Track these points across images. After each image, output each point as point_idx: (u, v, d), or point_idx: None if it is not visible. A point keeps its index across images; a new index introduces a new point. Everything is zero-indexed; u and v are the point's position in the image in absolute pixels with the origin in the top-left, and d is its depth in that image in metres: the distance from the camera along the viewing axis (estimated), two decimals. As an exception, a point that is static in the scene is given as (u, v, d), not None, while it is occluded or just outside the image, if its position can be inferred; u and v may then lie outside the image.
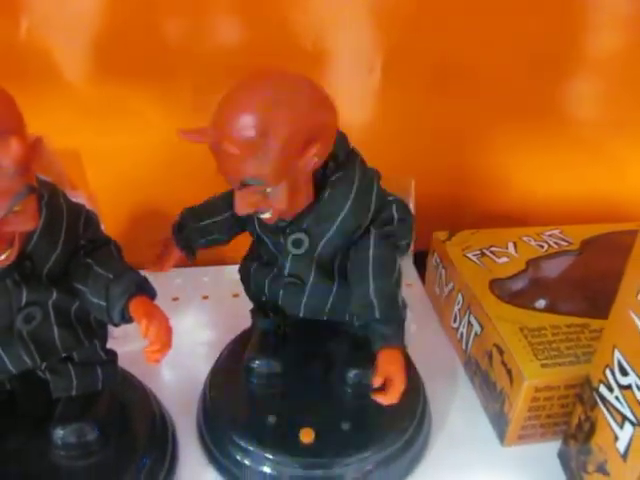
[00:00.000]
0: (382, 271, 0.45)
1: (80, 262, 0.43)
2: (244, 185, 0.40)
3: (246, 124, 0.38)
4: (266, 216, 0.43)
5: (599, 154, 0.81)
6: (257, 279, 0.51)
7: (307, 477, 0.50)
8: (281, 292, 0.49)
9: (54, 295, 0.42)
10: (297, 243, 0.46)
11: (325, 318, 0.51)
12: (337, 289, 0.48)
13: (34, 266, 0.41)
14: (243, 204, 0.42)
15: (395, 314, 0.46)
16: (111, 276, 0.42)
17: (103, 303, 0.41)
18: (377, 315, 0.45)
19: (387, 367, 0.44)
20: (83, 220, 0.44)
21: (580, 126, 0.79)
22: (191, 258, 0.52)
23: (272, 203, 0.42)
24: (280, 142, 0.38)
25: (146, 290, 0.42)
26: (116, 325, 0.43)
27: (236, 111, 0.38)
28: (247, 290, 0.54)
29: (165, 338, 0.40)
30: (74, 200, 0.44)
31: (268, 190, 0.41)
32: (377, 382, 0.44)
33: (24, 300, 0.41)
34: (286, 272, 0.48)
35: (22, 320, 0.41)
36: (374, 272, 0.45)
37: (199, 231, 0.51)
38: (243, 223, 0.50)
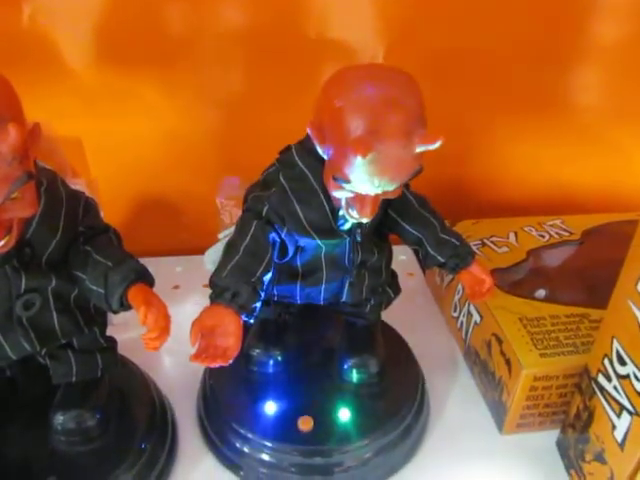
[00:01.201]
0: (430, 207, 0.50)
1: (79, 249, 0.43)
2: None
3: (409, 120, 0.37)
4: (355, 215, 0.42)
5: (602, 144, 0.81)
6: (311, 291, 0.49)
7: (306, 465, 0.50)
8: (347, 287, 0.49)
9: (53, 282, 0.42)
10: (360, 229, 0.46)
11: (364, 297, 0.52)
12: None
13: (33, 253, 0.41)
14: (374, 208, 0.41)
15: (459, 234, 0.50)
16: (110, 264, 0.41)
17: (102, 290, 0.41)
18: (456, 241, 0.49)
19: (485, 272, 0.50)
20: (82, 207, 0.43)
21: (582, 116, 0.79)
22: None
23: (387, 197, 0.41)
24: (427, 129, 0.38)
25: (145, 278, 0.42)
26: (115, 312, 0.43)
27: (395, 113, 0.36)
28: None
29: (163, 325, 0.40)
30: (74, 187, 0.44)
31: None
32: (487, 283, 0.50)
33: (23, 287, 0.41)
34: (357, 261, 0.47)
35: (21, 306, 0.41)
36: (427, 212, 0.49)
37: (255, 286, 0.43)
38: (280, 244, 0.46)
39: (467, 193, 0.80)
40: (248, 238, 0.44)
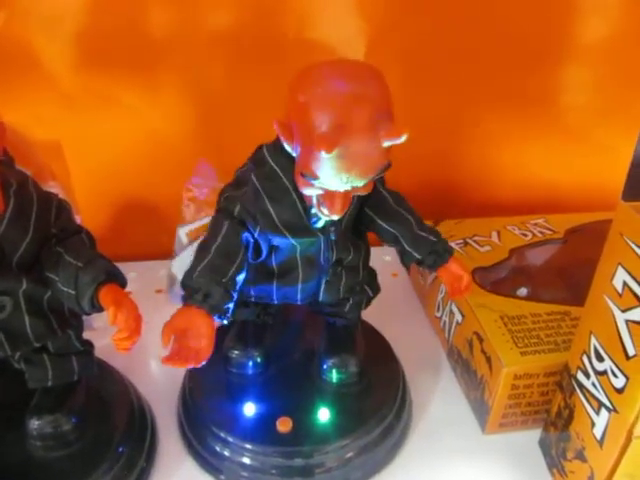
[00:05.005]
0: (406, 204, 0.50)
1: (51, 251, 0.42)
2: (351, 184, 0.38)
3: (374, 114, 0.36)
4: (326, 212, 0.41)
5: (586, 143, 0.81)
6: (287, 291, 0.49)
7: (286, 466, 0.49)
8: (323, 286, 0.49)
9: (24, 284, 0.41)
10: (334, 227, 0.46)
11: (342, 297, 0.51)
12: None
13: (3, 255, 0.40)
14: (345, 205, 0.40)
15: (437, 231, 0.50)
16: (80, 264, 0.41)
17: (73, 292, 0.41)
18: (433, 238, 0.49)
19: (462, 270, 0.50)
20: (55, 208, 0.43)
21: (567, 115, 0.79)
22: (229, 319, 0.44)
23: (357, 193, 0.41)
24: (393, 123, 0.37)
25: (116, 278, 0.42)
26: (87, 314, 0.42)
27: (361, 107, 0.36)
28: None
29: (133, 326, 0.39)
30: (50, 190, 0.44)
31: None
32: (465, 279, 0.50)
33: None
34: (333, 259, 0.47)
35: None
36: (403, 209, 0.49)
37: (227, 287, 0.43)
38: (254, 244, 0.46)
39: (451, 192, 0.80)
40: (220, 238, 0.43)
